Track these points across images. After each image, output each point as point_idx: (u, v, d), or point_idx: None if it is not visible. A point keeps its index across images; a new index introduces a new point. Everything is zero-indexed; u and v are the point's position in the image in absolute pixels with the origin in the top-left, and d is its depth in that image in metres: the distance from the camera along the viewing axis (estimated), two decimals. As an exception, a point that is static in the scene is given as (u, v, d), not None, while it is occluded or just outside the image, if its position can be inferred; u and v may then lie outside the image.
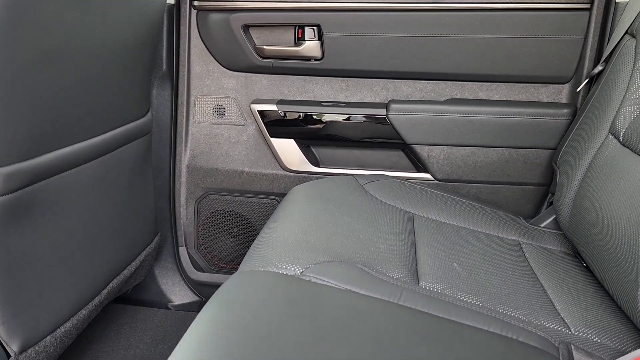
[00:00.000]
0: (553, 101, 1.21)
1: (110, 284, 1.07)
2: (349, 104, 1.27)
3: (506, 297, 0.76)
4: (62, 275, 0.91)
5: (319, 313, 0.62)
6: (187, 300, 1.42)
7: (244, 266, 0.78)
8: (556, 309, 0.75)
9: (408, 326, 0.63)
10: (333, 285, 0.69)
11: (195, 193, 1.36)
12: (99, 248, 1.02)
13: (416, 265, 0.81)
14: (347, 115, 1.25)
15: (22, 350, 0.82)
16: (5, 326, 0.79)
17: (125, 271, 1.13)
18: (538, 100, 1.22)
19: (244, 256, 0.83)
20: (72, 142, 0.90)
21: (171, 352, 1.20)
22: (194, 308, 1.41)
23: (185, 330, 1.08)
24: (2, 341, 0.79)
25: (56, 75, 0.82)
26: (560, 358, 0.64)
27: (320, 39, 1.23)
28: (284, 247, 0.79)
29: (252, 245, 0.85)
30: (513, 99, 1.22)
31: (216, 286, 1.47)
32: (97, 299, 1.02)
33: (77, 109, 0.89)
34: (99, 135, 0.98)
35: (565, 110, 1.17)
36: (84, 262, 0.97)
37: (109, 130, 1.01)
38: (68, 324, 0.92)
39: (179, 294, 1.42)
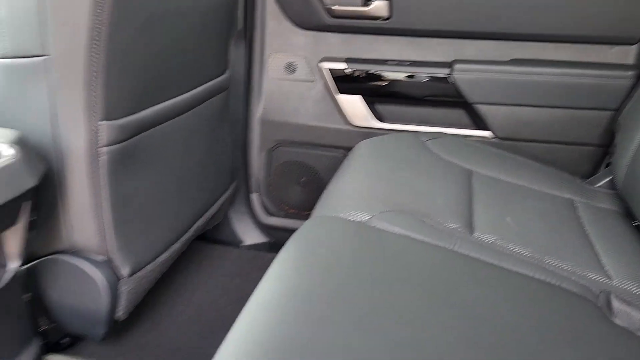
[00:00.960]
0: (619, 62, 1.21)
1: (196, 223, 1.22)
2: (413, 63, 1.32)
3: (554, 249, 0.83)
4: (160, 214, 1.06)
5: (383, 256, 0.72)
6: (258, 241, 1.57)
7: (316, 212, 0.89)
8: (601, 263, 0.82)
9: (460, 270, 0.72)
10: (395, 232, 0.79)
11: (267, 144, 1.48)
12: (187, 191, 1.16)
13: (471, 218, 0.89)
14: (412, 74, 1.31)
15: (131, 274, 0.98)
16: (119, 253, 0.95)
17: (208, 213, 1.27)
18: (603, 61, 1.22)
19: (311, 203, 0.94)
20: (166, 99, 1.03)
21: (245, 285, 1.37)
22: (264, 248, 1.56)
23: (256, 267, 1.23)
24: (116, 265, 0.96)
25: (156, 38, 0.93)
26: (599, 304, 0.71)
27: (388, -1, 1.27)
28: (351, 198, 0.89)
29: (323, 194, 0.96)
30: (577, 60, 1.24)
31: (284, 229, 1.61)
32: (185, 236, 1.17)
33: (171, 68, 1.01)
34: (187, 92, 1.10)
35: (630, 73, 1.17)
36: (176, 203, 1.12)
37: (195, 88, 1.13)
38: (165, 255, 1.08)
39: (250, 235, 1.57)
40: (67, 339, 1.08)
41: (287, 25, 1.39)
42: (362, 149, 1.13)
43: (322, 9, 1.32)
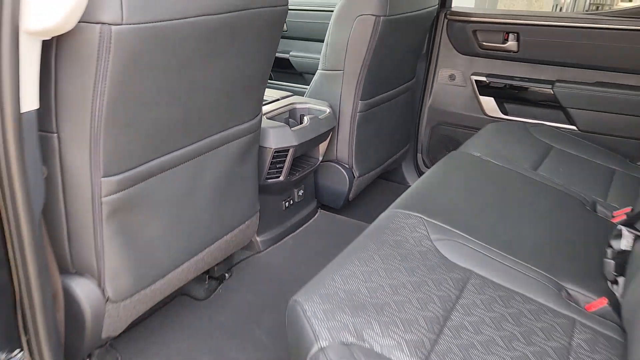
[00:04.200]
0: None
1: (382, 166, 2.20)
2: (530, 79, 2.13)
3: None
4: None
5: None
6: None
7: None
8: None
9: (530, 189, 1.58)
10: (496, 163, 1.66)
11: (431, 122, 2.40)
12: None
13: (537, 169, 1.72)
14: (529, 87, 2.13)
15: (359, 176, 2.00)
16: (355, 163, 1.96)
17: (396, 156, 2.25)
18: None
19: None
20: (385, 92, 2.01)
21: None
22: (421, 188, 2.49)
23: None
24: (355, 170, 1.97)
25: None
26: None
27: (518, 40, 2.10)
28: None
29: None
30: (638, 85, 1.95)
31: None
32: (376, 171, 2.16)
33: (390, 75, 1.98)
34: (396, 92, 2.07)
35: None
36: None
37: (398, 87, 2.10)
38: (372, 173, 2.08)
39: (412, 178, 2.52)
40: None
41: (453, 52, 2.28)
42: (487, 129, 2.00)
43: (476, 43, 2.19)
